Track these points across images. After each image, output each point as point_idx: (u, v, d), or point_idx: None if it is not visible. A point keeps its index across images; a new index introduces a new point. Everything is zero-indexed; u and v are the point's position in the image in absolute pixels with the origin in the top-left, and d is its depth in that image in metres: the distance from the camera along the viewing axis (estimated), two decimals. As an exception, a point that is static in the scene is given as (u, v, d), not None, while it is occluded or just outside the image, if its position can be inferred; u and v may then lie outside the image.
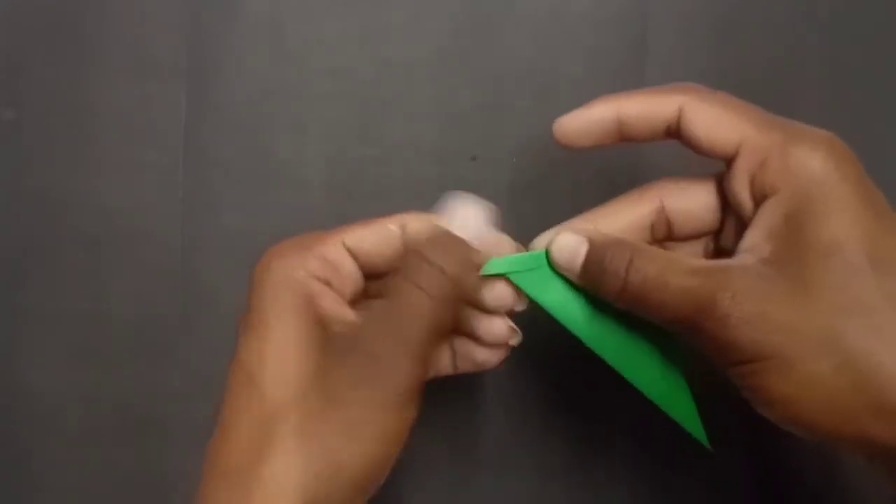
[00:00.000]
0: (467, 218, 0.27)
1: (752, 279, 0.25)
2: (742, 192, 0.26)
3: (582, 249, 0.27)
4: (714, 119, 0.26)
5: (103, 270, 0.36)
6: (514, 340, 0.29)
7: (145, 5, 0.36)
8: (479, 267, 0.27)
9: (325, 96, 0.36)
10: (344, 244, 0.28)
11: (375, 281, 0.30)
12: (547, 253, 0.28)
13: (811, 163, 0.25)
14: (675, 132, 0.27)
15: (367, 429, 0.25)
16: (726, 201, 0.28)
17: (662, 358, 0.28)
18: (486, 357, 0.29)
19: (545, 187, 0.36)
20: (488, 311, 0.28)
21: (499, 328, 0.28)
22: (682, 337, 0.26)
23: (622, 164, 0.36)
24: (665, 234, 0.29)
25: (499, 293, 0.28)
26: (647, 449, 0.36)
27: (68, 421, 0.36)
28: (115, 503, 0.36)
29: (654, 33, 0.36)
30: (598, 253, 0.26)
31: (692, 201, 0.28)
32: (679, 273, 0.25)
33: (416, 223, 0.28)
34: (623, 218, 0.28)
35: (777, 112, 0.28)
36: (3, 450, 0.36)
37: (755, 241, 0.26)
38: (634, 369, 0.28)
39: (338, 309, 0.27)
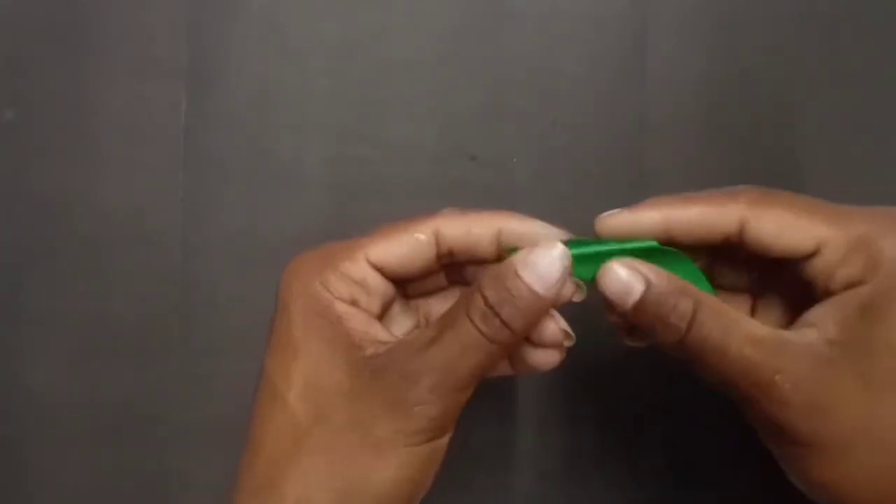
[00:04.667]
0: (545, 266, 0.25)
1: (815, 362, 0.24)
2: (820, 282, 0.25)
3: (637, 289, 0.24)
4: (784, 225, 0.25)
5: (103, 271, 0.36)
6: (568, 342, 0.27)
7: (145, 5, 0.36)
8: (542, 312, 0.25)
9: (325, 96, 0.36)
10: (368, 260, 0.27)
11: (418, 280, 0.29)
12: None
13: None
14: (735, 242, 0.26)
15: (397, 452, 0.25)
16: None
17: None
18: (541, 359, 0.27)
19: (545, 187, 0.36)
20: None
21: (550, 331, 0.26)
22: (729, 396, 0.25)
23: (623, 163, 0.36)
24: (730, 250, 0.27)
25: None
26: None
27: (68, 421, 0.36)
28: (115, 503, 0.36)
29: (654, 33, 0.36)
30: (657, 299, 0.24)
31: (780, 235, 0.25)
32: (741, 340, 0.24)
33: (451, 229, 0.27)
34: (700, 225, 0.26)
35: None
36: (3, 450, 0.36)
37: (823, 318, 0.24)
38: None
39: (368, 328, 0.26)
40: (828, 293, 0.25)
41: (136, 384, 0.36)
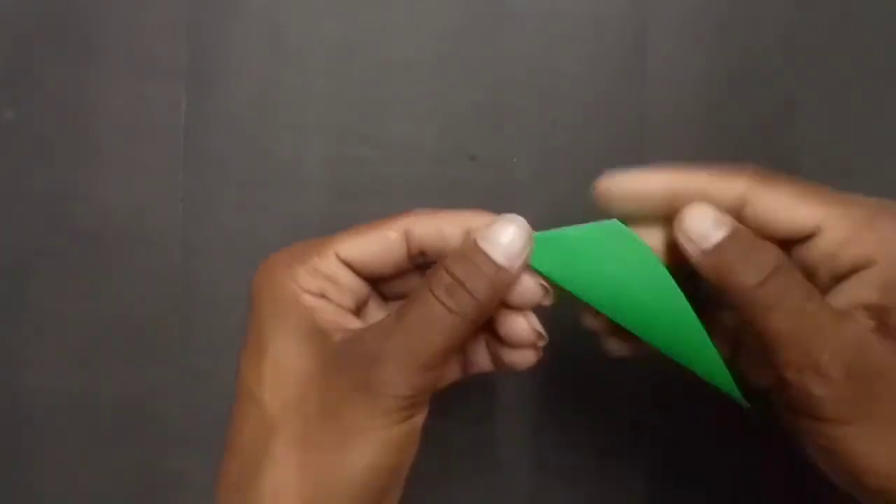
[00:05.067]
0: (504, 238, 0.25)
1: (868, 343, 0.24)
2: (825, 265, 0.25)
3: (722, 230, 0.25)
4: (786, 202, 0.25)
5: (103, 270, 0.36)
6: (541, 343, 0.27)
7: (145, 5, 0.36)
8: (506, 287, 0.25)
9: (325, 96, 0.36)
10: (338, 256, 0.27)
11: (394, 282, 0.29)
12: (619, 224, 0.26)
13: None
14: (735, 216, 0.26)
15: (367, 436, 0.24)
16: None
17: (691, 327, 0.26)
18: (517, 359, 0.27)
19: (545, 187, 0.36)
20: (512, 307, 0.26)
21: (522, 329, 0.26)
22: (758, 374, 0.26)
23: (624, 163, 0.35)
24: None
25: (524, 288, 0.26)
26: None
27: (68, 421, 0.36)
28: (115, 503, 0.36)
29: (654, 33, 0.36)
30: (744, 243, 0.25)
31: (781, 212, 0.25)
32: (819, 305, 0.24)
33: (422, 228, 0.27)
34: (703, 195, 0.26)
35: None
36: (3, 450, 0.36)
37: (856, 300, 0.24)
38: (662, 338, 0.26)
39: (338, 318, 0.26)
40: (833, 276, 0.25)
41: (136, 384, 0.36)
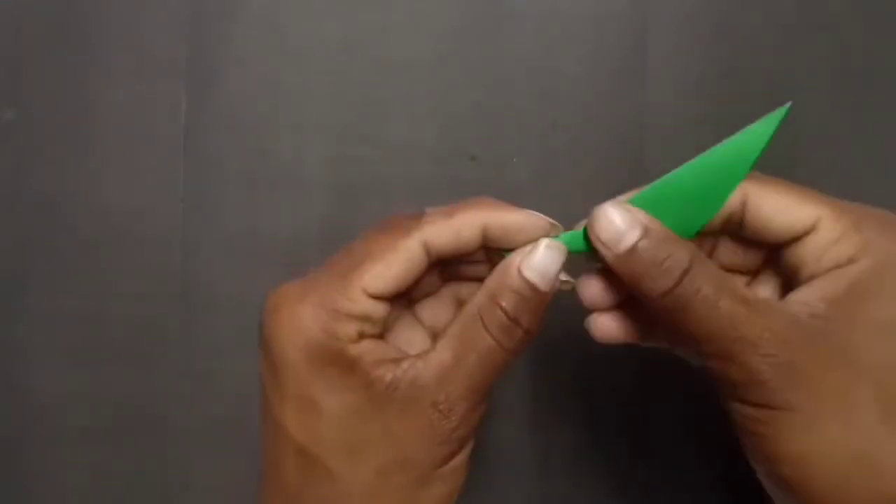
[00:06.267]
0: (550, 270, 0.26)
1: (800, 329, 0.24)
2: (810, 262, 0.25)
3: (632, 235, 0.25)
4: (785, 202, 0.25)
5: (103, 270, 0.36)
6: (567, 286, 0.27)
7: (145, 5, 0.36)
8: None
9: (325, 96, 0.36)
10: (366, 293, 0.26)
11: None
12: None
13: (889, 242, 0.24)
14: (735, 224, 0.26)
15: (436, 476, 0.26)
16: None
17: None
18: None
19: (545, 187, 0.36)
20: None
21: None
22: (698, 359, 0.25)
23: (624, 163, 0.36)
24: (731, 230, 0.27)
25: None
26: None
27: (68, 421, 0.36)
28: (115, 503, 0.36)
29: (654, 33, 0.36)
30: (654, 246, 0.24)
31: (780, 211, 0.26)
32: (733, 296, 0.24)
33: (440, 238, 0.26)
34: None
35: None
36: (4, 450, 0.36)
37: (809, 297, 0.25)
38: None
39: (378, 353, 0.26)
40: (814, 275, 0.25)
41: (136, 384, 0.36)
